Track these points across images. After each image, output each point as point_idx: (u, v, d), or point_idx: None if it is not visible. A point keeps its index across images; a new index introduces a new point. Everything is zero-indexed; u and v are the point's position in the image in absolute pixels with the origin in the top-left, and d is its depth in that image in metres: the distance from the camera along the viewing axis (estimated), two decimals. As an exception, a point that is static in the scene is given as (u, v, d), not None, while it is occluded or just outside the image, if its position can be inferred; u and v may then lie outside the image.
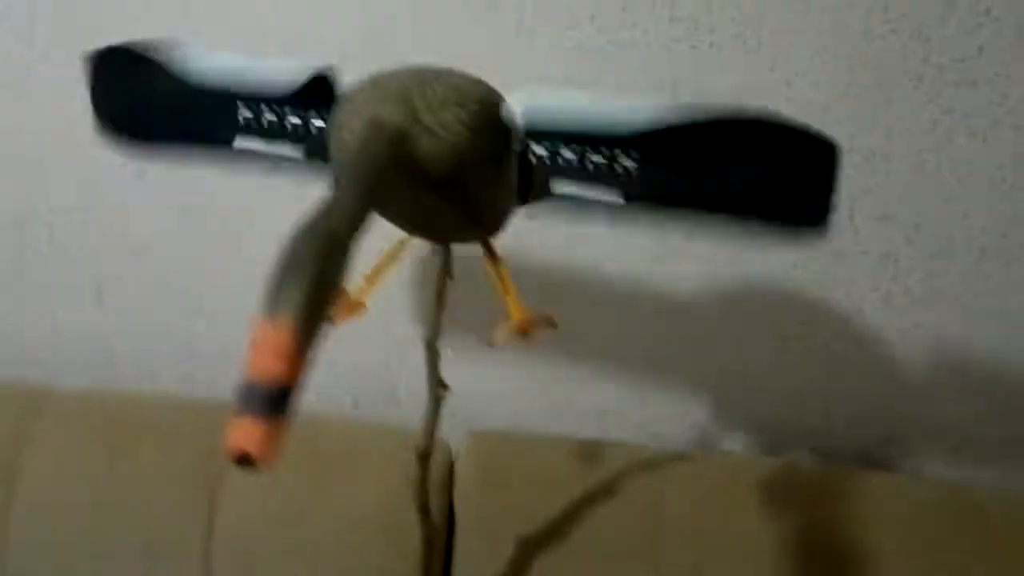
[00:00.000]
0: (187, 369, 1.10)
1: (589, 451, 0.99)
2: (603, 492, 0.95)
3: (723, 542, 0.93)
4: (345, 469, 0.96)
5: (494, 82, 0.62)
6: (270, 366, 0.42)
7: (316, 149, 0.66)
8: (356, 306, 0.70)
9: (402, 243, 0.72)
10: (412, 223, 0.66)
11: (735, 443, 1.09)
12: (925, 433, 1.06)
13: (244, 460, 0.41)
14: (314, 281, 0.45)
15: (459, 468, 0.98)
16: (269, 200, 0.99)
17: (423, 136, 0.57)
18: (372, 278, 0.71)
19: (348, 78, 0.63)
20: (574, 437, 1.01)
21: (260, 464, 0.41)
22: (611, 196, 0.62)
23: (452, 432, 0.95)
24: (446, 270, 0.72)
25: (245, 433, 0.41)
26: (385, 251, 0.72)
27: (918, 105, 0.96)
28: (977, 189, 0.98)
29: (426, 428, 0.78)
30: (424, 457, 0.80)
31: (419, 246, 0.71)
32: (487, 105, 0.61)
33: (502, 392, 1.09)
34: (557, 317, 0.71)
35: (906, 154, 0.98)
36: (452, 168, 0.58)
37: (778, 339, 1.05)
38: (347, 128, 0.59)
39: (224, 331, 1.09)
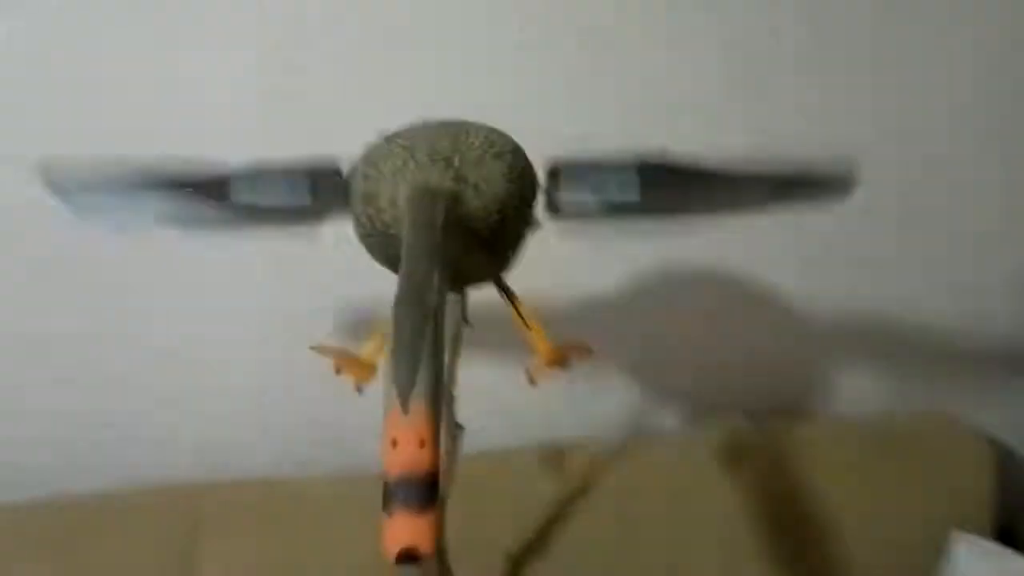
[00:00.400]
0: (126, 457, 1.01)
1: (550, 455, 1.01)
2: (576, 491, 0.98)
3: (694, 513, 1.00)
4: (323, 530, 0.93)
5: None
6: (416, 457, 0.42)
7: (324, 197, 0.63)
8: (369, 368, 0.68)
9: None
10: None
11: (670, 420, 1.15)
12: (834, 377, 1.18)
13: (406, 557, 0.41)
14: (431, 365, 0.45)
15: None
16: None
17: (471, 195, 0.57)
18: (384, 337, 0.68)
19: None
20: (530, 445, 1.03)
21: (424, 556, 0.41)
22: (626, 196, 0.61)
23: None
24: (463, 316, 0.71)
25: (406, 529, 0.41)
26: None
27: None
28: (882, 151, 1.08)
29: (445, 472, 0.77)
30: (441, 502, 0.79)
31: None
32: (517, 153, 0.61)
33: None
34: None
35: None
36: (498, 221, 0.58)
37: (698, 312, 1.12)
38: (385, 198, 0.57)
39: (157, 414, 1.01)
